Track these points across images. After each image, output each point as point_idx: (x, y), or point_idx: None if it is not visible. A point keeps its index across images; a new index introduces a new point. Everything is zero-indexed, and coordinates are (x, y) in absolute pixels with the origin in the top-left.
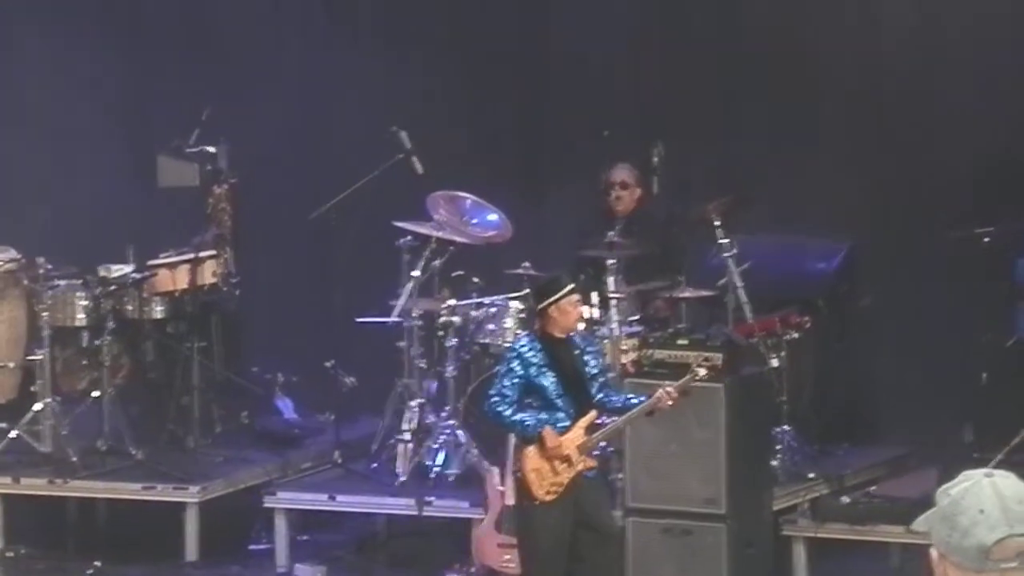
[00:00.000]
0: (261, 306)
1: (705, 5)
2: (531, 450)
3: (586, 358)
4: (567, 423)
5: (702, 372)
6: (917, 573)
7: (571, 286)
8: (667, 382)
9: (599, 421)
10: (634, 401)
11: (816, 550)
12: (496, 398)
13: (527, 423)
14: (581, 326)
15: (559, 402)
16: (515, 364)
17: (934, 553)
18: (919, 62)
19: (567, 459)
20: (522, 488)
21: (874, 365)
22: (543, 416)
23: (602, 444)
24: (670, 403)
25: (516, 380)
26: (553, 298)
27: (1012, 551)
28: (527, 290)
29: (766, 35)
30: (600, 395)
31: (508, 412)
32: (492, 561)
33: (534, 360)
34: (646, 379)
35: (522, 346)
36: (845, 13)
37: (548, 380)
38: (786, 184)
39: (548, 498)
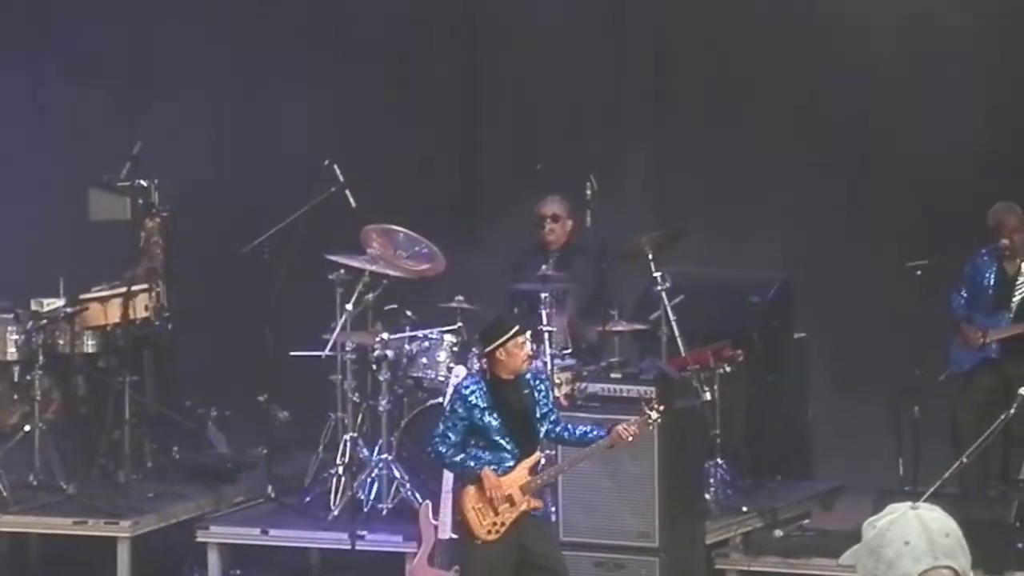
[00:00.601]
0: (193, 340)
1: (640, 37)
2: (471, 490)
3: (536, 395)
4: (511, 463)
5: (654, 415)
6: None
7: (516, 328)
8: (627, 418)
9: (549, 453)
10: (592, 435)
11: None
12: (438, 439)
13: (468, 464)
14: (527, 366)
15: (503, 442)
16: (458, 406)
17: None
18: (855, 95)
19: (509, 499)
20: (463, 527)
21: (807, 398)
22: (485, 456)
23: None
24: (630, 439)
25: (459, 422)
26: (499, 341)
27: None
28: (460, 324)
29: (700, 69)
30: (557, 428)
31: (450, 453)
32: None
33: (477, 403)
34: (579, 412)
35: (466, 387)
36: (779, 45)
37: (493, 421)
38: (720, 217)
39: (490, 538)
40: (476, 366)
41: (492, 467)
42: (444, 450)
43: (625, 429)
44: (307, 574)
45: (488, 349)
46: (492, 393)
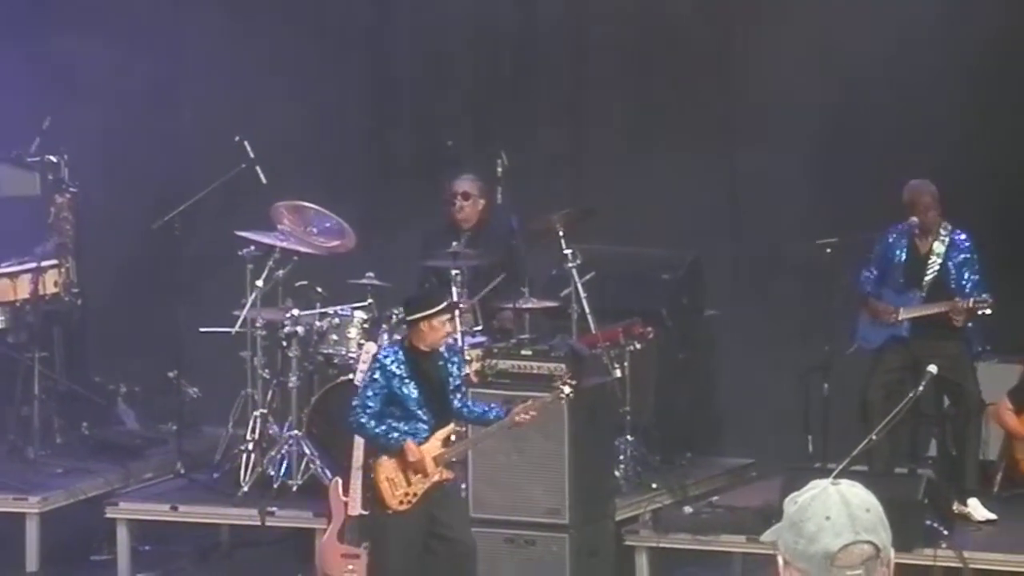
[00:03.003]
0: (103, 316)
1: (553, 13)
2: (385, 460)
3: (450, 367)
4: (427, 433)
5: (567, 390)
6: None
7: (446, 304)
8: (529, 395)
9: (459, 429)
10: (493, 414)
11: (659, 560)
12: (358, 409)
13: (391, 436)
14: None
15: (420, 412)
16: (377, 375)
17: (780, 561)
18: (767, 73)
19: (422, 470)
20: (375, 497)
21: (717, 375)
22: (402, 427)
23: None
24: (528, 418)
25: (378, 391)
26: (427, 312)
27: (857, 557)
28: (370, 300)
29: (613, 46)
30: (459, 405)
31: (371, 424)
32: (335, 571)
33: (397, 371)
34: (489, 389)
35: (385, 357)
36: (691, 24)
37: (410, 391)
38: (630, 195)
39: (401, 508)
40: (386, 341)
41: (408, 437)
42: (365, 420)
43: (523, 412)
44: (216, 550)
45: (413, 318)
46: (409, 363)
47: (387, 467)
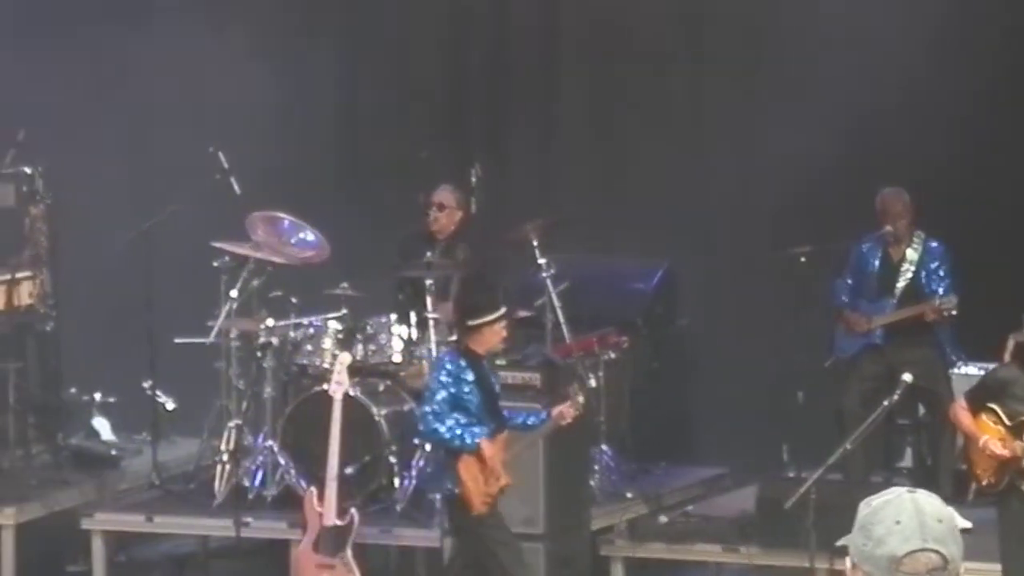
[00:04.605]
0: (78, 327)
1: (526, 22)
2: (469, 461)
3: (492, 378)
4: (489, 439)
5: (581, 398)
6: None
7: (505, 309)
8: (563, 404)
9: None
10: (531, 421)
11: (634, 569)
12: (430, 416)
13: (466, 437)
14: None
15: (483, 417)
16: (445, 379)
17: (848, 563)
18: (740, 82)
19: (496, 472)
20: (461, 501)
21: (692, 385)
22: (475, 429)
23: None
24: (568, 422)
25: (447, 396)
26: (489, 317)
27: (922, 565)
28: (345, 311)
29: (586, 56)
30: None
31: (444, 429)
32: None
33: (463, 376)
34: None
35: (450, 363)
36: (665, 34)
37: (474, 396)
38: (604, 204)
39: (483, 509)
40: (360, 352)
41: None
42: (438, 426)
43: (561, 417)
44: (192, 560)
45: (476, 323)
46: (471, 367)
47: (471, 468)
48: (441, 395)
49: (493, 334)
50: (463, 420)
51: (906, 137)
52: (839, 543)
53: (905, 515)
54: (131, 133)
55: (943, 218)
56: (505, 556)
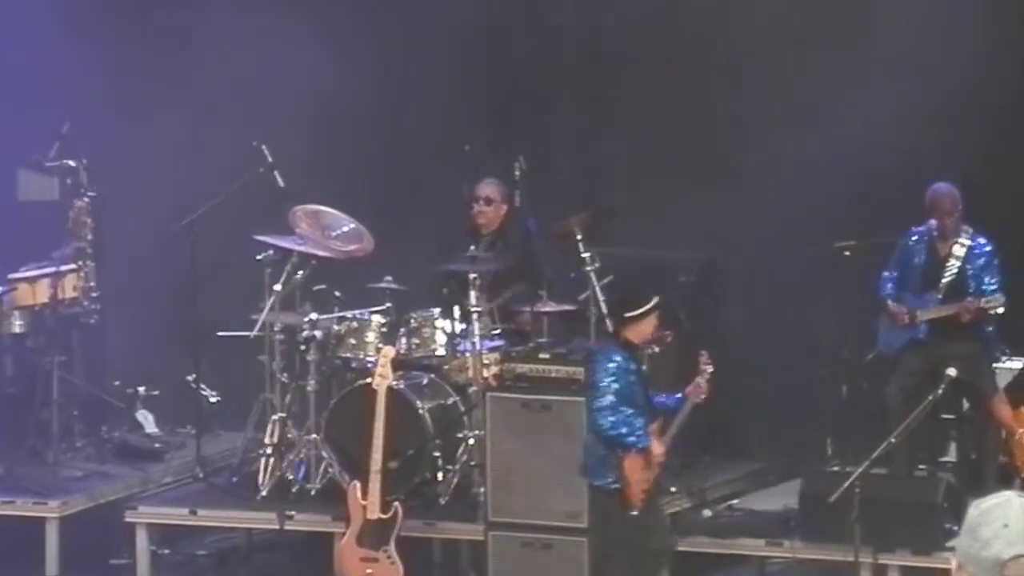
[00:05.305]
0: (122, 320)
1: (570, 12)
2: (633, 456)
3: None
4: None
5: (711, 368)
6: None
7: (657, 299)
8: (696, 380)
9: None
10: (672, 403)
11: (678, 563)
12: (607, 412)
13: (643, 439)
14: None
15: (645, 409)
16: (616, 371)
17: (954, 563)
18: (781, 74)
19: (653, 467)
20: (622, 498)
21: (735, 379)
22: (638, 422)
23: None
24: (702, 399)
25: (617, 392)
26: (643, 308)
27: None
28: (388, 304)
29: (631, 48)
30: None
31: (625, 430)
32: (354, 574)
33: (629, 367)
34: (508, 393)
35: (615, 358)
36: (710, 25)
37: (638, 388)
38: (648, 197)
39: (640, 505)
40: (404, 346)
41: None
42: (615, 420)
43: (696, 394)
44: (235, 554)
45: (632, 314)
46: (632, 359)
47: (635, 463)
48: (613, 388)
49: (648, 324)
50: (629, 412)
51: (954, 132)
52: (951, 543)
53: (1013, 519)
54: (174, 126)
55: (989, 212)
56: (642, 559)
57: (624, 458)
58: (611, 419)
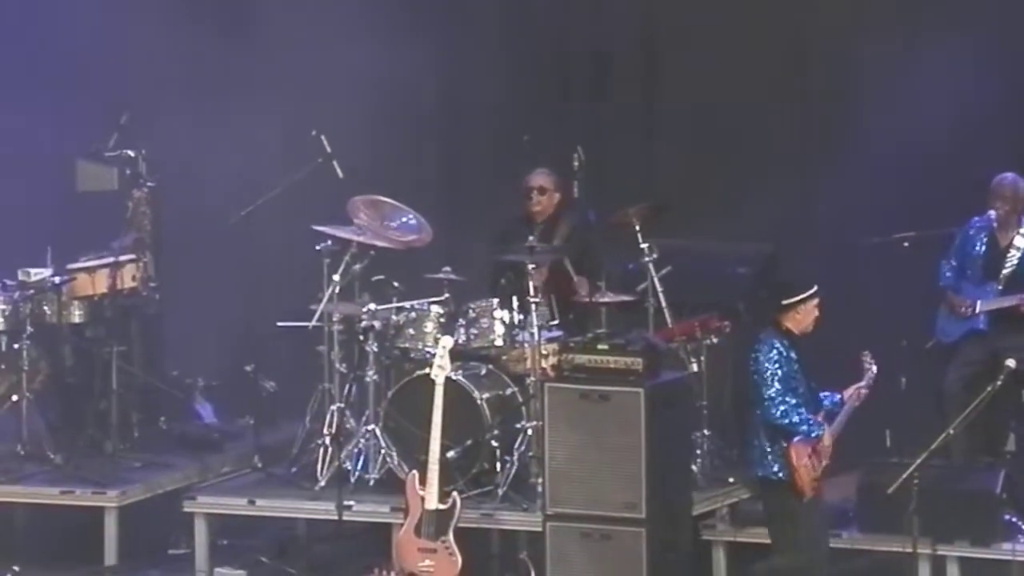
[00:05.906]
0: (181, 310)
1: (629, 8)
2: (799, 445)
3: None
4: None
5: (875, 369)
6: None
7: (815, 287)
8: (858, 384)
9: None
10: (828, 403)
11: (736, 554)
12: (779, 402)
13: (812, 426)
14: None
15: (810, 398)
16: (777, 360)
17: None
18: (842, 64)
19: (823, 456)
20: (791, 484)
21: None
22: (807, 413)
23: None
24: (860, 402)
25: (780, 375)
26: (803, 296)
27: None
28: (447, 295)
29: (688, 42)
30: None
31: (793, 412)
32: (412, 565)
33: (791, 356)
34: (566, 383)
35: (781, 349)
36: (766, 18)
37: (802, 377)
38: (706, 189)
39: (811, 495)
40: (462, 336)
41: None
42: (789, 410)
43: (857, 396)
44: (294, 544)
45: (792, 302)
46: (793, 348)
47: (801, 452)
48: (778, 376)
49: (808, 312)
50: (794, 402)
51: (1013, 124)
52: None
53: None
54: (234, 116)
55: None
56: (811, 543)
57: (789, 447)
58: (782, 408)
